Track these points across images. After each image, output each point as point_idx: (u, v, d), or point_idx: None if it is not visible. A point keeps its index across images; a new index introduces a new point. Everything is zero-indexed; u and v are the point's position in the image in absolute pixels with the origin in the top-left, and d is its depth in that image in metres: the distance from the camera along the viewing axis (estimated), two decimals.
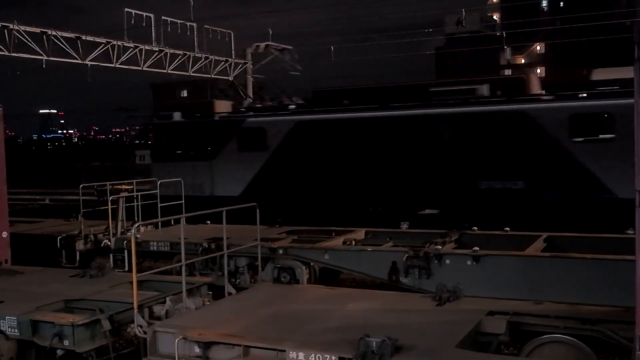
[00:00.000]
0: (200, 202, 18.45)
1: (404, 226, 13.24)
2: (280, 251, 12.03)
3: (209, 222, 14.85)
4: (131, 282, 8.03)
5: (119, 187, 18.49)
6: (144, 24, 28.09)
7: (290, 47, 25.95)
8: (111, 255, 13.62)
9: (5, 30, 23.29)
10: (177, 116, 20.64)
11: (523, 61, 77.28)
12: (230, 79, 34.39)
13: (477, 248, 10.48)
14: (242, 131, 19.38)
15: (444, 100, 17.55)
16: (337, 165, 18.16)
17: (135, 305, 7.60)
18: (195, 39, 30.55)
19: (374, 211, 17.39)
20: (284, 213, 17.17)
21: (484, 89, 18.02)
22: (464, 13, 42.33)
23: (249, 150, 19.35)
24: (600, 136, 16.22)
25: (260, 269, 10.89)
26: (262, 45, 25.24)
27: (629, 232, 10.23)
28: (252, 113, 20.08)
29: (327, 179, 18.18)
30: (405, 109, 17.66)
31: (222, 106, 21.27)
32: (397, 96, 18.19)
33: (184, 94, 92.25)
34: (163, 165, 20.16)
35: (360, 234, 13.37)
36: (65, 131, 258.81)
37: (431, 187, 17.24)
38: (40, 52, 24.41)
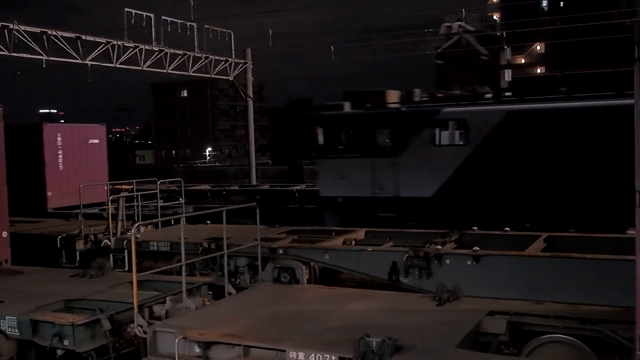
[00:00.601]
0: (382, 204, 16.97)
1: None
2: (280, 251, 12.02)
3: (208, 222, 14.84)
4: (131, 282, 8.03)
5: (119, 187, 18.48)
6: (144, 24, 28.13)
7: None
8: (111, 255, 13.61)
9: (5, 30, 23.28)
10: (347, 106, 18.56)
11: (523, 61, 77.36)
12: (230, 79, 34.42)
13: (477, 248, 10.48)
14: (436, 123, 16.97)
15: None
16: (559, 162, 15.57)
17: (135, 305, 7.59)
18: (195, 38, 30.61)
19: (608, 214, 14.80)
20: (488, 217, 15.30)
21: None
22: (464, 13, 42.38)
23: (445, 144, 16.99)
24: None
25: (260, 269, 10.87)
26: (455, 24, 22.75)
27: (630, 231, 10.20)
28: (440, 103, 17.69)
29: (546, 177, 15.68)
30: None
31: (392, 96, 19.00)
32: (625, 82, 15.00)
33: (184, 93, 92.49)
34: (331, 163, 18.12)
35: (360, 234, 13.37)
36: None
37: None
38: (40, 52, 24.40)
